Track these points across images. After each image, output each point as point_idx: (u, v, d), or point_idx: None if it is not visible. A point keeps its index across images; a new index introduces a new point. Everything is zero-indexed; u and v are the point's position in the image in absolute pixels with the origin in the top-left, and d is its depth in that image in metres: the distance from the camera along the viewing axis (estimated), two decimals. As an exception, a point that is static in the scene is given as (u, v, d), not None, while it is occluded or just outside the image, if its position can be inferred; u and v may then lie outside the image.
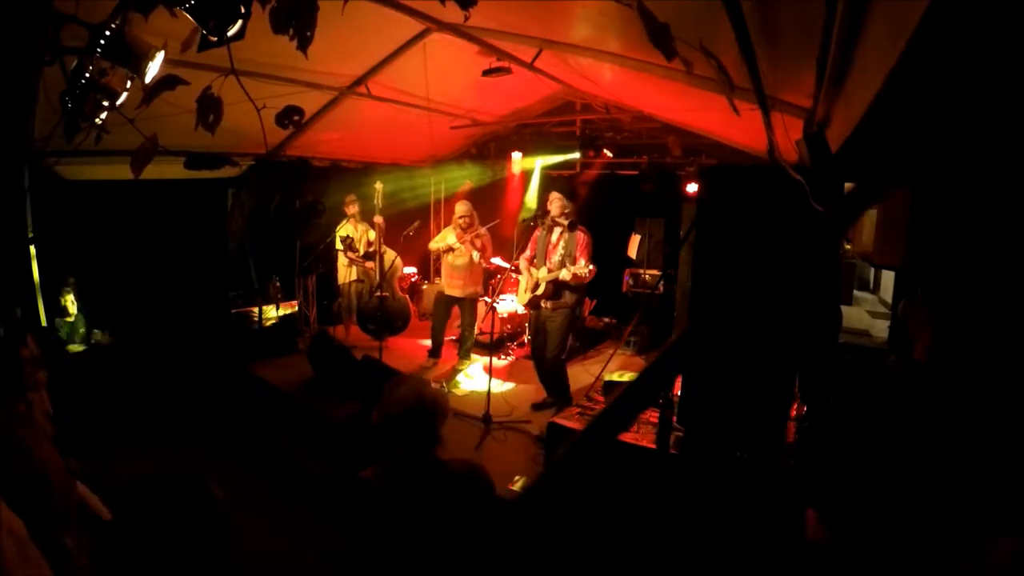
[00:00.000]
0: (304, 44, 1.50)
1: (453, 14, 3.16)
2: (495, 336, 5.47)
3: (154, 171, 1.95)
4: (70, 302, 4.78)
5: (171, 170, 4.77)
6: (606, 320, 7.17)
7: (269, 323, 6.30)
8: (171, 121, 2.53)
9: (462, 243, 5.55)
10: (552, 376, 4.78)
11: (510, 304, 6.47)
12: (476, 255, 5.55)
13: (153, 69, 1.96)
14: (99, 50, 1.91)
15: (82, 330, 4.89)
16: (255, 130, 1.90)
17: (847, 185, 2.38)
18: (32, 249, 4.11)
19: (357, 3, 2.39)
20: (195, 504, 1.27)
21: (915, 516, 1.69)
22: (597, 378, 4.13)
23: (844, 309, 3.69)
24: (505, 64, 4.01)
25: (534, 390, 5.04)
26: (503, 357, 6.23)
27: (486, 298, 6.06)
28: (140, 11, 1.60)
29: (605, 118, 5.75)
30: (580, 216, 4.64)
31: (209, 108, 1.71)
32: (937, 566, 1.54)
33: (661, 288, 6.17)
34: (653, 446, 3.15)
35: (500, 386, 5.29)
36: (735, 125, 3.62)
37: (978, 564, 1.38)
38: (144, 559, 1.21)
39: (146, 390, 4.59)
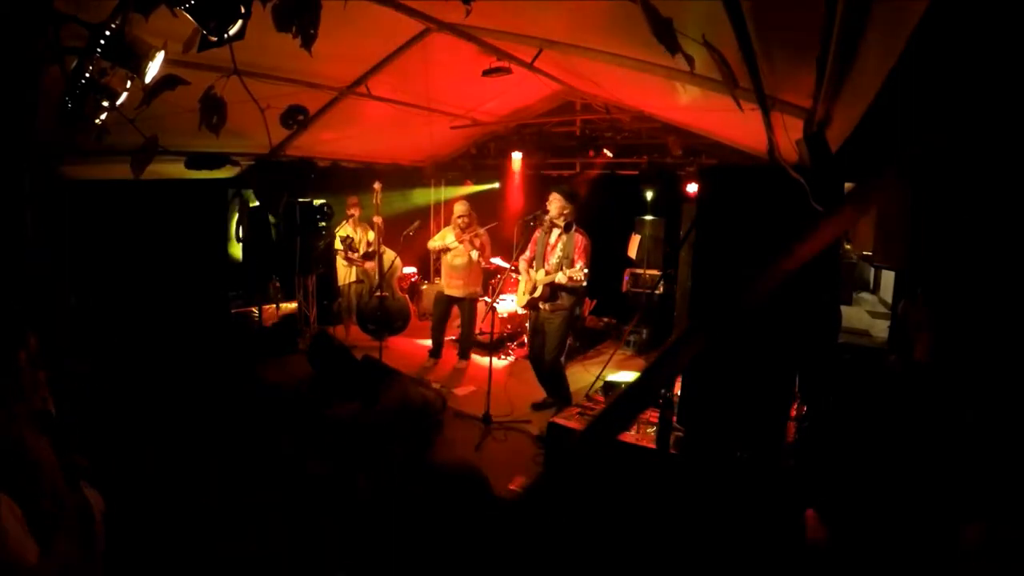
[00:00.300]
0: (308, 42, 1.50)
1: (453, 14, 3.18)
2: (495, 336, 5.47)
3: (155, 171, 1.96)
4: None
5: (172, 170, 4.83)
6: (606, 320, 7.16)
7: (269, 323, 6.31)
8: (172, 121, 2.53)
9: (461, 243, 5.55)
10: (551, 377, 4.77)
11: (510, 304, 6.46)
12: (475, 254, 5.54)
13: (153, 69, 1.96)
14: (99, 50, 1.91)
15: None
16: (255, 130, 1.90)
17: (847, 185, 2.39)
18: (42, 251, 4.09)
19: (357, 3, 2.39)
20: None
21: (915, 516, 1.69)
22: (597, 378, 4.13)
23: (844, 309, 3.68)
24: (505, 64, 4.01)
25: (534, 390, 5.03)
26: (503, 357, 6.23)
27: (486, 298, 6.06)
28: (140, 11, 1.60)
29: (605, 118, 5.73)
30: (580, 216, 4.62)
31: (213, 109, 1.71)
32: (936, 565, 1.54)
33: (661, 288, 6.18)
34: (653, 446, 3.16)
35: (500, 386, 5.29)
36: (735, 125, 3.62)
37: (951, 549, 1.39)
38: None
39: (146, 389, 4.59)
